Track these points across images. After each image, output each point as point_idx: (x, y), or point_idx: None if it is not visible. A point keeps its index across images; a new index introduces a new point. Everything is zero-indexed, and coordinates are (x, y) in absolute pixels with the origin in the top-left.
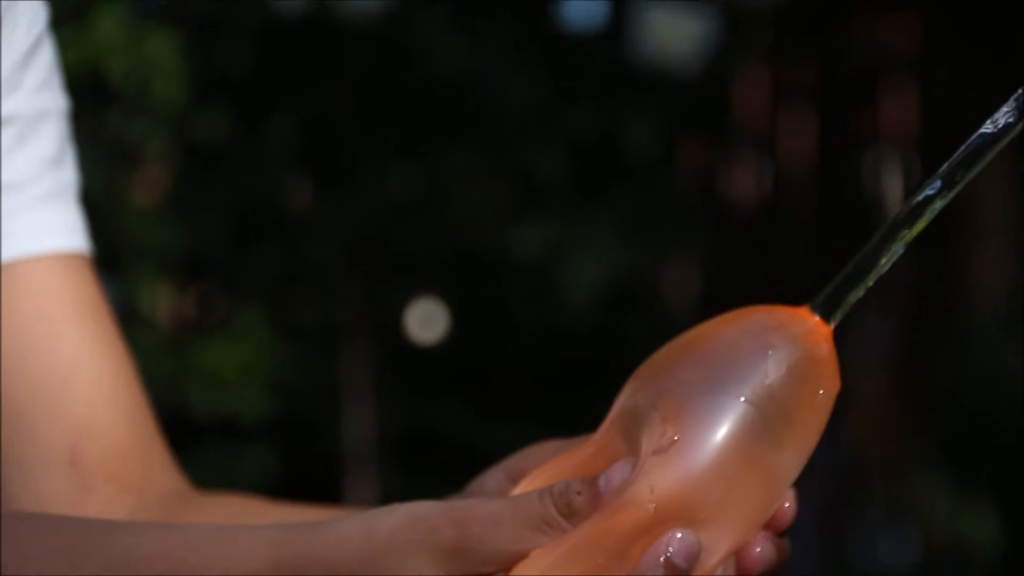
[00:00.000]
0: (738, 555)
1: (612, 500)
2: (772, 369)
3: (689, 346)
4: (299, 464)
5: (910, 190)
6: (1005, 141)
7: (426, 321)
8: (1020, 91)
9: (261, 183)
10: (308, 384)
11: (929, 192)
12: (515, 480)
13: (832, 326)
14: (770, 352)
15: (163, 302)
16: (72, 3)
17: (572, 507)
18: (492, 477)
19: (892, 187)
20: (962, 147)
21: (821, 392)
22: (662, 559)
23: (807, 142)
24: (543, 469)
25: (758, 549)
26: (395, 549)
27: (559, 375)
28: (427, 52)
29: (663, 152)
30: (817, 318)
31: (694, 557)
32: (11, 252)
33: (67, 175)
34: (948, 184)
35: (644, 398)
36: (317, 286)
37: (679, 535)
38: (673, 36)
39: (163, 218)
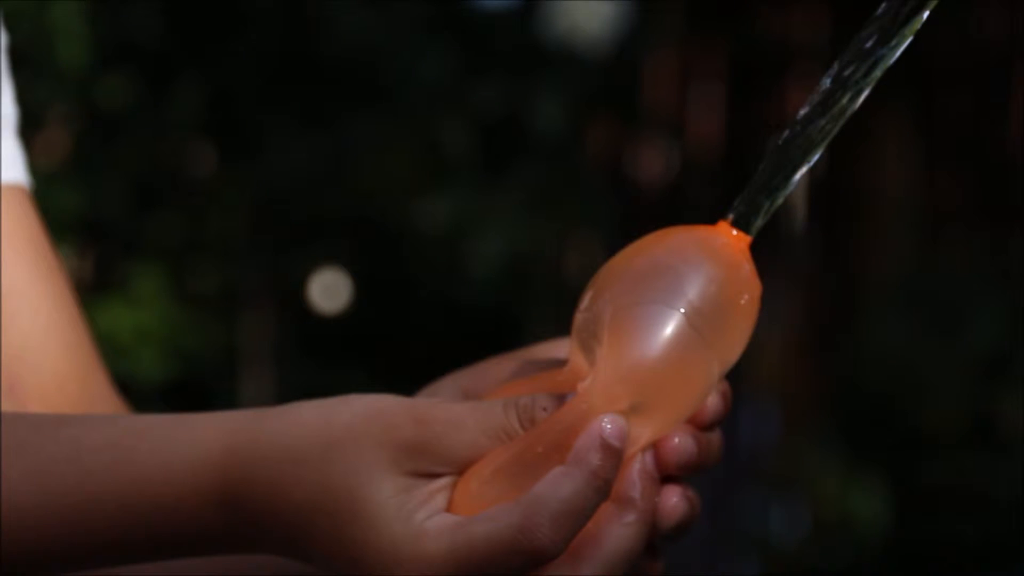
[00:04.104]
0: (656, 445)
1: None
2: (695, 280)
3: (619, 266)
4: None
5: (815, 175)
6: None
7: (329, 291)
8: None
9: (165, 149)
10: (207, 350)
11: (828, 77)
12: (468, 397)
13: (751, 236)
14: (693, 264)
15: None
16: None
17: (535, 422)
18: (445, 389)
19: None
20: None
21: (745, 298)
22: (598, 441)
23: (715, 125)
24: (512, 385)
25: (676, 440)
26: (353, 440)
27: (461, 345)
28: (336, 22)
29: (571, 131)
30: (735, 231)
31: (625, 438)
32: None
33: (5, 109)
34: (846, 75)
35: (585, 318)
36: (219, 253)
37: (610, 419)
38: (584, 16)
39: (64, 181)
